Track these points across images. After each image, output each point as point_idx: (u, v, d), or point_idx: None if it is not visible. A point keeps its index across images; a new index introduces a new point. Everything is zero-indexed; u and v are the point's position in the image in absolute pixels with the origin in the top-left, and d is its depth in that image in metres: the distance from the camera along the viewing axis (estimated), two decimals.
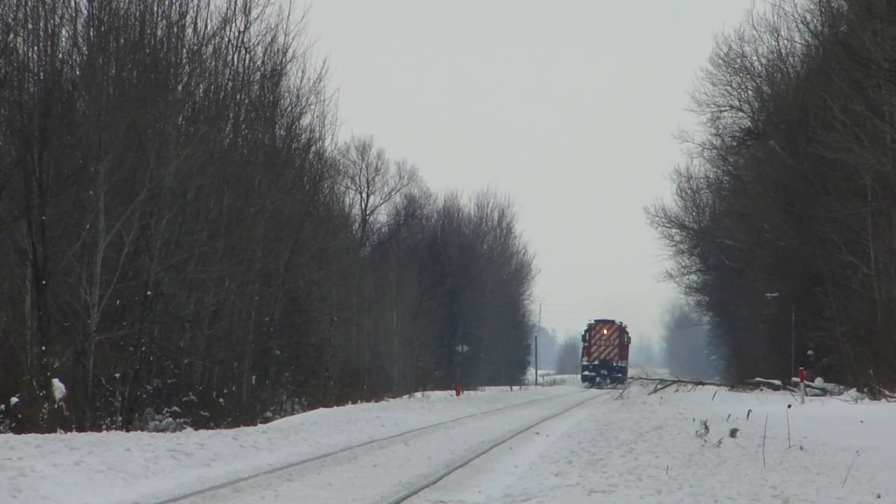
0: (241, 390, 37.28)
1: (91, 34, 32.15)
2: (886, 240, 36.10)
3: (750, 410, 28.63)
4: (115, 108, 29.12)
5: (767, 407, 30.92)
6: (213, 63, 38.17)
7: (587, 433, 25.73)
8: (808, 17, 46.82)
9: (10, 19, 28.63)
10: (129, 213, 29.37)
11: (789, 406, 27.21)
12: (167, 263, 31.21)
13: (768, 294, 50.88)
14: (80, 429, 25.66)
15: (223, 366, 35.57)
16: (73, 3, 32.05)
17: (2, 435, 20.49)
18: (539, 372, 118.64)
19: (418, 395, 55.56)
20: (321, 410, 36.02)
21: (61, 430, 24.37)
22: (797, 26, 48.97)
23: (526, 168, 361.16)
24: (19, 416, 24.64)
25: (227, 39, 38.75)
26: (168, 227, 31.39)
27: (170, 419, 31.10)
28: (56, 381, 25.96)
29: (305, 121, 44.38)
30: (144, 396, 31.05)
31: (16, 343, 26.53)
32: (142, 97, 31.04)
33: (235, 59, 39.29)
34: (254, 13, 39.43)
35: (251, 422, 32.67)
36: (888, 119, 34.32)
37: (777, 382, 47.44)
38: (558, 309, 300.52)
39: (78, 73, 32.06)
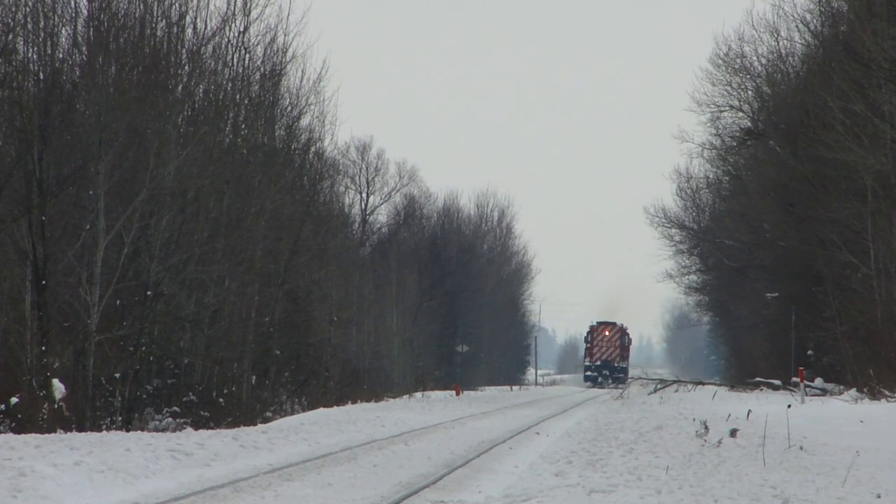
0: (241, 390, 37.27)
1: (91, 34, 32.14)
2: (886, 240, 36.08)
3: (750, 410, 28.63)
4: (115, 108, 29.13)
5: (767, 407, 30.91)
6: (213, 63, 38.18)
7: (587, 433, 25.72)
8: (808, 17, 46.82)
9: (10, 19, 28.62)
10: (129, 213, 29.37)
11: (789, 406, 27.20)
12: (167, 263, 31.21)
13: (768, 294, 50.85)
14: (80, 429, 25.66)
15: (223, 366, 35.56)
16: (73, 3, 32.10)
17: (2, 435, 20.50)
18: (539, 372, 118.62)
19: (418, 395, 55.54)
20: (321, 410, 36.01)
21: (61, 430, 24.37)
22: (797, 26, 48.96)
23: (526, 168, 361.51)
24: (19, 416, 24.64)
25: (226, 39, 38.79)
26: (168, 227, 31.38)
27: (170, 419, 31.09)
28: (56, 381, 25.96)
29: (305, 121, 44.43)
30: (144, 396, 31.05)
31: (16, 343, 26.53)
32: (142, 97, 31.05)
33: (235, 60, 39.31)
34: (254, 13, 39.46)
35: (251, 422, 32.66)
36: (888, 119, 34.30)
37: (777, 382, 47.40)
38: (558, 309, 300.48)
39: (78, 73, 32.06)
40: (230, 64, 39.11)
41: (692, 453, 18.90)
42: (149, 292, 30.03)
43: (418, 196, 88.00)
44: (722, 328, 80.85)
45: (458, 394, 59.08)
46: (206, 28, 37.47)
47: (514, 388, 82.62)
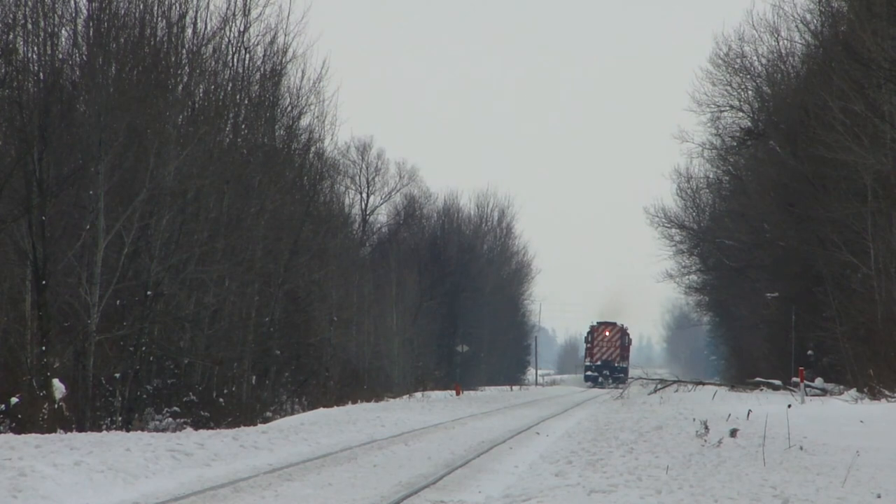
0: (241, 390, 37.28)
1: (91, 34, 32.14)
2: (886, 240, 36.08)
3: (750, 410, 28.62)
4: (115, 108, 29.12)
5: (767, 407, 30.91)
6: (213, 63, 38.18)
7: (587, 433, 25.72)
8: (808, 17, 46.85)
9: (9, 19, 28.62)
10: (129, 213, 29.37)
11: (789, 406, 27.20)
12: (167, 263, 31.20)
13: (768, 294, 50.85)
14: (80, 429, 25.66)
15: (223, 366, 35.55)
16: (73, 3, 32.09)
17: (2, 435, 20.50)
18: (539, 372, 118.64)
19: (418, 395, 55.53)
20: (321, 410, 36.01)
21: (61, 430, 24.37)
22: (797, 26, 48.99)
23: (526, 168, 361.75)
24: (19, 416, 24.65)
25: (226, 40, 38.78)
26: (168, 227, 31.38)
27: (170, 419, 31.09)
28: (56, 381, 25.96)
29: (305, 121, 44.43)
30: (144, 396, 31.04)
31: (16, 343, 26.53)
32: (142, 97, 31.03)
33: (235, 60, 39.31)
34: (254, 13, 39.45)
35: (251, 422, 32.66)
36: (888, 119, 34.31)
37: (777, 382, 47.39)
38: (558, 309, 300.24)
39: (78, 73, 32.05)
40: (230, 64, 39.13)
41: (692, 453, 18.90)
42: (149, 292, 30.03)
43: (418, 196, 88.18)
44: (722, 328, 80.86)
45: (458, 394, 59.08)
46: (206, 28, 37.51)
47: (514, 388, 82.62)
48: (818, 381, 42.68)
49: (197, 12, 36.77)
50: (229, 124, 39.19)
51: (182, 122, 34.37)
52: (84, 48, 32.35)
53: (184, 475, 16.24)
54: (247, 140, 40.08)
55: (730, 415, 28.30)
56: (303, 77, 43.17)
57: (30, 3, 29.72)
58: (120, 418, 28.91)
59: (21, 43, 29.49)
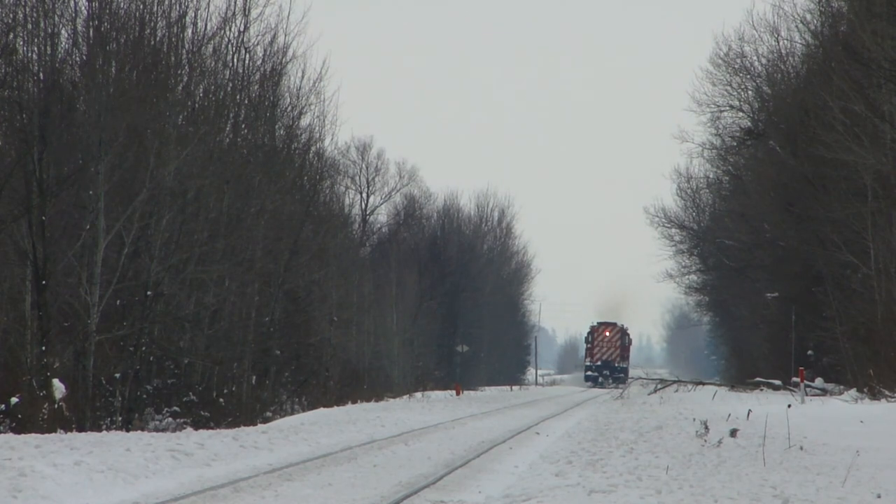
0: (241, 390, 37.28)
1: (91, 34, 32.14)
2: (886, 240, 36.08)
3: (750, 410, 28.63)
4: (115, 108, 29.12)
5: (767, 407, 30.91)
6: (213, 63, 38.17)
7: (587, 433, 25.72)
8: (808, 17, 46.84)
9: (10, 19, 28.61)
10: (129, 213, 29.37)
11: (789, 406, 27.21)
12: (167, 263, 31.21)
13: (768, 294, 50.86)
14: (80, 429, 25.67)
15: (223, 366, 35.56)
16: (72, 3, 32.07)
17: (2, 435, 20.50)
18: (539, 372, 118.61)
19: (418, 395, 55.53)
20: (321, 410, 36.02)
21: (61, 430, 24.37)
22: (797, 26, 48.98)
23: (526, 168, 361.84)
24: (19, 416, 24.65)
25: (226, 39, 38.78)
26: (168, 227, 31.38)
27: (170, 419, 31.09)
28: (56, 381, 25.96)
29: (305, 121, 44.43)
30: (144, 396, 31.05)
31: (16, 343, 26.52)
32: (142, 97, 31.03)
33: (235, 60, 39.30)
34: (254, 13, 39.45)
35: (251, 422, 32.67)
36: (888, 119, 34.31)
37: (777, 382, 47.41)
38: (558, 309, 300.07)
39: (78, 73, 32.05)
40: (230, 64, 39.12)
41: (692, 453, 18.90)
42: (149, 292, 30.03)
43: (418, 196, 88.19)
44: (722, 328, 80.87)
45: (458, 394, 59.07)
46: (205, 28, 37.51)
47: (514, 388, 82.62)
48: (818, 381, 42.70)
49: (197, 12, 36.82)
50: (229, 124, 39.19)
51: (182, 122, 34.37)
52: (84, 48, 32.34)
53: (184, 475, 16.24)
54: (247, 140, 40.08)
55: (730, 415, 28.30)
56: (303, 77, 43.23)
57: (30, 3, 29.70)
58: (120, 418, 28.91)
59: (21, 43, 29.48)
